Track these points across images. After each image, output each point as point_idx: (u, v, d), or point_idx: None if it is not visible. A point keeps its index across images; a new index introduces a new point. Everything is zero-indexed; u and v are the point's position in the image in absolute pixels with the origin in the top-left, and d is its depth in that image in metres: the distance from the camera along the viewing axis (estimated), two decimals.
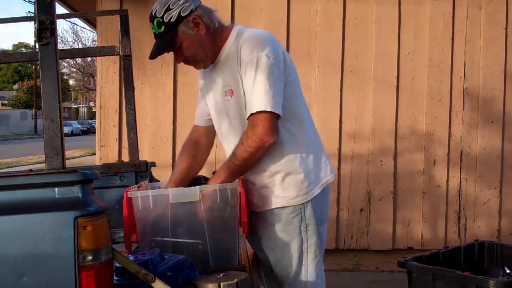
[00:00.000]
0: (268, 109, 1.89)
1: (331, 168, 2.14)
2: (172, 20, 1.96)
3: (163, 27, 1.97)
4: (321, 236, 2.10)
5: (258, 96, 1.91)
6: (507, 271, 3.20)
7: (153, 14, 1.99)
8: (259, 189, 2.07)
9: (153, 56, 2.03)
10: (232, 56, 2.02)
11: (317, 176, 2.07)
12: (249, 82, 1.94)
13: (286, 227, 2.04)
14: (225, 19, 5.00)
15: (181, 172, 2.25)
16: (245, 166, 1.99)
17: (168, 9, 1.95)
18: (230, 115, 2.08)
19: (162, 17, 1.96)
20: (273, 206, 2.05)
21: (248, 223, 2.03)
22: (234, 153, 1.97)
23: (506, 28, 4.67)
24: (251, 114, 1.92)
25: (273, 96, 1.90)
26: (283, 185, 2.03)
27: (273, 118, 1.91)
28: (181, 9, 1.96)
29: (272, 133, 1.91)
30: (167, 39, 1.99)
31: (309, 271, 2.05)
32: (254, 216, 2.10)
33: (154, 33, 2.00)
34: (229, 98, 2.05)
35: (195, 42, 2.00)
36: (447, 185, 4.65)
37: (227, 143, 2.17)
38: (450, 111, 4.64)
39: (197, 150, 2.33)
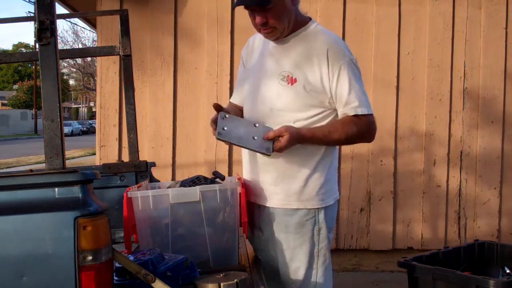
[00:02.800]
0: (371, 112, 2.00)
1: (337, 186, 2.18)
2: None
3: None
4: (330, 242, 2.09)
5: (361, 98, 1.97)
6: (507, 271, 3.20)
7: None
8: (277, 181, 2.03)
9: (239, 3, 1.96)
10: (308, 49, 1.99)
11: (331, 188, 2.08)
12: (344, 81, 1.96)
13: (299, 230, 2.02)
14: (225, 19, 5.00)
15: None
16: (337, 144, 2.05)
17: None
18: (280, 101, 2.01)
19: None
20: (288, 206, 2.02)
21: (250, 220, 2.02)
22: (341, 130, 1.97)
23: (506, 28, 4.67)
24: (361, 115, 1.97)
25: (369, 101, 2.01)
26: (302, 183, 2.00)
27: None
28: None
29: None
30: None
31: (318, 275, 2.04)
32: (262, 212, 2.08)
33: None
34: (285, 84, 1.99)
35: (287, 10, 1.96)
36: (447, 185, 4.65)
37: None
38: (450, 111, 4.64)
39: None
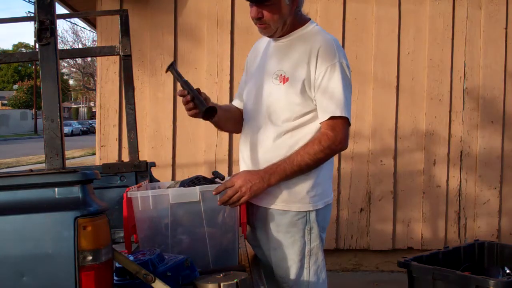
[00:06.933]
0: (345, 115, 1.95)
1: (331, 190, 2.16)
2: None
3: None
4: (322, 241, 2.09)
5: (338, 101, 1.94)
6: (507, 271, 3.20)
7: None
8: None
9: None
10: (303, 48, 2.00)
11: (322, 192, 2.06)
12: (328, 83, 1.94)
13: (290, 229, 2.02)
14: (225, 19, 4.99)
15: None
16: (309, 168, 1.96)
17: None
18: (270, 99, 2.04)
19: None
20: (277, 207, 2.03)
21: (248, 218, 2.02)
22: (302, 152, 1.94)
23: (506, 28, 4.67)
24: (331, 117, 1.93)
25: (348, 104, 1.97)
26: (290, 186, 2.00)
27: (348, 125, 1.98)
28: None
29: (347, 141, 1.99)
30: None
31: (311, 273, 2.04)
32: (255, 211, 2.08)
33: None
34: (277, 83, 2.02)
35: (284, 11, 1.98)
36: (447, 185, 4.65)
37: (250, 126, 2.14)
38: (450, 111, 4.64)
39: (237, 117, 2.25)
